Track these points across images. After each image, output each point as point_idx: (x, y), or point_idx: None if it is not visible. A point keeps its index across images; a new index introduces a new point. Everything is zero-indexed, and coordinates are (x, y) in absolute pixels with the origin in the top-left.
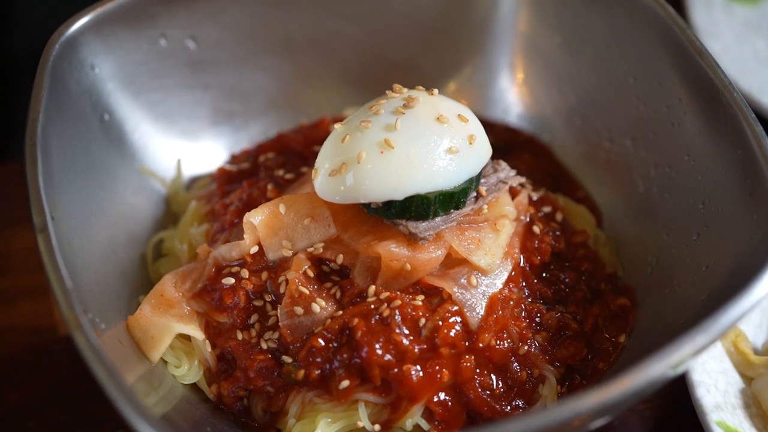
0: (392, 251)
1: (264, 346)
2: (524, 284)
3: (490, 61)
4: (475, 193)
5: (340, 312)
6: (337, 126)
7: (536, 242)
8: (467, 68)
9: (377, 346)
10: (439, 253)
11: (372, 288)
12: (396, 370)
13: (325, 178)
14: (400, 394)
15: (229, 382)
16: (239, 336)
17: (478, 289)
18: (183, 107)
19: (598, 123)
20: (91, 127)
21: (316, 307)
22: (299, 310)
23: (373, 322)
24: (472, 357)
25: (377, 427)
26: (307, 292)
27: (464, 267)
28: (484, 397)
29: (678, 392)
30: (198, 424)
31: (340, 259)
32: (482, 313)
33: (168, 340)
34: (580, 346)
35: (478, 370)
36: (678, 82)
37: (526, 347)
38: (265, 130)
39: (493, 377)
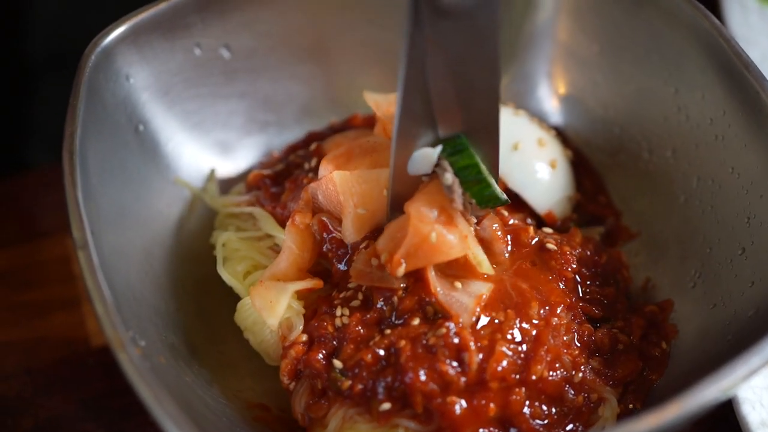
0: (422, 212)
1: (337, 323)
2: (570, 307)
3: (528, 70)
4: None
5: (389, 331)
6: None
7: (570, 267)
8: (505, 77)
9: (422, 372)
10: (459, 248)
11: (384, 255)
12: (439, 400)
13: None
14: (441, 426)
15: (295, 350)
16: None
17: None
18: (217, 117)
19: (638, 133)
20: (126, 139)
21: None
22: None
23: (420, 348)
24: (523, 389)
25: None
26: None
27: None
28: (536, 427)
29: (722, 409)
30: None
31: None
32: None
33: (284, 301)
34: (635, 360)
35: (528, 402)
36: (722, 94)
37: (581, 374)
38: (298, 138)
39: (545, 407)
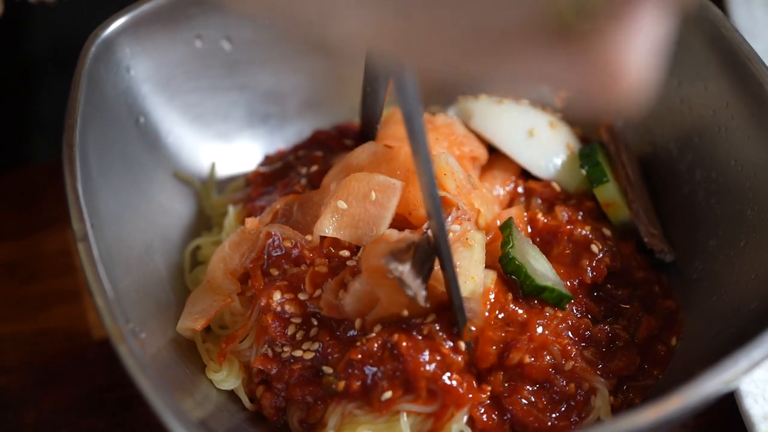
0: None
1: (303, 355)
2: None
3: None
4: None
5: (378, 329)
6: None
7: (594, 262)
8: None
9: (423, 358)
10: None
11: (358, 322)
12: (444, 378)
13: None
14: (445, 403)
15: (270, 393)
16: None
17: None
18: (218, 109)
19: (640, 125)
20: (126, 131)
21: None
22: (342, 295)
23: (418, 336)
24: (500, 373)
25: None
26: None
27: None
28: (529, 409)
29: (723, 403)
30: None
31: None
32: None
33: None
34: (633, 356)
35: (507, 385)
36: (725, 86)
37: (572, 362)
38: (300, 131)
39: (535, 391)
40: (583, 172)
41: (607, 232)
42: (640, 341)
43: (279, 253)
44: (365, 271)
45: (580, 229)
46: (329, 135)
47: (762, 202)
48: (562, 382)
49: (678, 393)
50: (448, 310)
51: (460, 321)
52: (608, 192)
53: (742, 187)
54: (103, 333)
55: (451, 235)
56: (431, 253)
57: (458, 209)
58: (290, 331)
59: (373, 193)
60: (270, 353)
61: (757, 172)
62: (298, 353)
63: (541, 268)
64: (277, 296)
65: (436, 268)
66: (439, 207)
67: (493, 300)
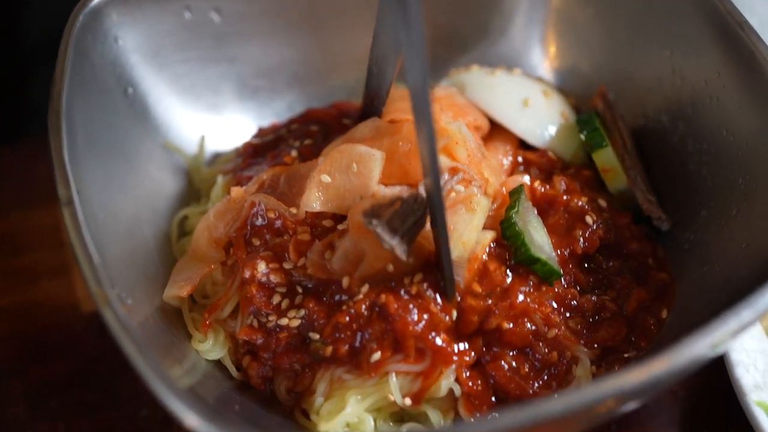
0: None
1: (289, 323)
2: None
3: (521, 36)
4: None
5: (365, 289)
6: None
7: (587, 233)
8: (497, 44)
9: (411, 318)
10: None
11: (346, 280)
12: (431, 336)
13: None
14: (434, 361)
15: (257, 362)
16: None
17: None
18: (208, 81)
19: (633, 97)
20: (114, 101)
21: None
22: (329, 254)
23: (405, 296)
24: (480, 338)
25: (408, 400)
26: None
27: None
28: (511, 375)
29: (713, 374)
30: (224, 401)
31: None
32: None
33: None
34: (619, 327)
35: (495, 349)
36: (717, 55)
37: (555, 330)
38: (290, 105)
39: (518, 357)
40: (582, 137)
41: (602, 203)
42: (629, 313)
43: (262, 223)
44: (351, 227)
45: (576, 200)
46: (325, 112)
47: (754, 170)
48: (544, 349)
49: (665, 354)
50: (437, 268)
51: (448, 290)
52: (607, 156)
53: (734, 156)
54: (92, 306)
55: (453, 195)
56: (418, 209)
57: (466, 174)
58: (275, 300)
59: (354, 165)
60: (255, 323)
61: (749, 141)
62: (284, 321)
63: (539, 240)
64: (261, 267)
65: (427, 227)
66: (436, 162)
67: (481, 267)
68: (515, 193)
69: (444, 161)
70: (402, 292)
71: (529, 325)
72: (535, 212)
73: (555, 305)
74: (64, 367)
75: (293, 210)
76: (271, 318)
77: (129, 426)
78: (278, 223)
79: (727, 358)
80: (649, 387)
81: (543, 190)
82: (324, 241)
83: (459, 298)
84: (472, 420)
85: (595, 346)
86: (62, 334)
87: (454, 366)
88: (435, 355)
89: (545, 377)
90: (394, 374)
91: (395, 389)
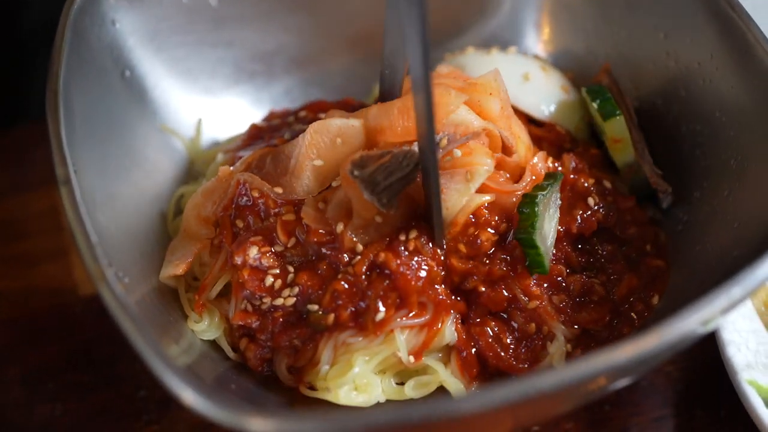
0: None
1: (284, 302)
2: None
3: (516, 18)
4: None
5: (360, 249)
6: None
7: (586, 214)
8: (491, 26)
9: (412, 273)
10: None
11: (340, 226)
12: (434, 289)
13: None
14: (435, 312)
15: (254, 344)
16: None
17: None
18: (205, 64)
19: (627, 80)
20: (112, 83)
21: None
22: (322, 205)
23: (405, 252)
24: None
25: (411, 358)
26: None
27: None
28: (493, 343)
29: (705, 354)
30: (221, 380)
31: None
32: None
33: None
34: (603, 312)
35: (475, 315)
36: (710, 37)
37: (537, 302)
38: (287, 89)
39: (500, 324)
40: (595, 105)
41: (608, 184)
42: (619, 298)
43: (247, 202)
44: (342, 178)
45: (583, 180)
46: (336, 105)
47: (746, 150)
48: (521, 318)
49: (656, 330)
50: (425, 220)
51: (437, 237)
52: (619, 126)
53: (727, 137)
54: (89, 290)
55: (449, 158)
56: (407, 166)
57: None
58: (268, 281)
59: (338, 139)
60: (249, 307)
61: (741, 122)
62: (279, 302)
63: (546, 230)
64: (253, 252)
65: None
66: (432, 121)
67: (472, 228)
68: (551, 177)
69: (472, 120)
70: (401, 248)
71: (505, 292)
72: (559, 204)
73: (536, 278)
74: (61, 350)
75: (278, 189)
76: (265, 300)
77: (127, 407)
78: (261, 202)
79: (719, 337)
80: (640, 363)
81: (551, 166)
82: (318, 196)
83: (443, 257)
84: (465, 392)
85: (575, 326)
86: (60, 318)
87: (452, 316)
88: (437, 307)
89: (522, 350)
90: (399, 330)
91: (401, 345)
